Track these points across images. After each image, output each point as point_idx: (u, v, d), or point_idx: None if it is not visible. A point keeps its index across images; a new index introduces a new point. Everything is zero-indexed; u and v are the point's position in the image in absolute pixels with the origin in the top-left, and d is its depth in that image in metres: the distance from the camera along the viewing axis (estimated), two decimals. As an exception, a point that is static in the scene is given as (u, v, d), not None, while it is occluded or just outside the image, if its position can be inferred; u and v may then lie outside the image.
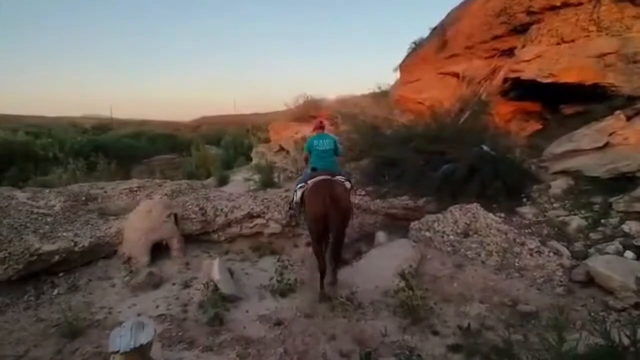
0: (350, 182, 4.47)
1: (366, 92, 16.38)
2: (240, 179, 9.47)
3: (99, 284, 3.96)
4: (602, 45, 6.85)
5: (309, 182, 3.98)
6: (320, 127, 4.58)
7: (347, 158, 7.49)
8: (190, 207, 4.94)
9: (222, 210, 5.01)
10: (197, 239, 4.95)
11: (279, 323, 3.31)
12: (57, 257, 3.83)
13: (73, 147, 13.07)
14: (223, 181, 9.86)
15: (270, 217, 5.15)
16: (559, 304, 3.31)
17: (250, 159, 13.47)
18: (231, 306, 3.53)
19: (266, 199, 5.52)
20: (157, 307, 3.54)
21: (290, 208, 4.80)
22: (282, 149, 11.98)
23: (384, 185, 6.22)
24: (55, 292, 3.72)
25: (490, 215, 4.69)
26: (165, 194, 5.49)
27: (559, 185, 5.34)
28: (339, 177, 4.07)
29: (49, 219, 4.32)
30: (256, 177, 8.30)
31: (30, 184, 7.30)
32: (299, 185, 4.20)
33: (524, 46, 8.34)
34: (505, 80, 8.23)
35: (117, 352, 2.16)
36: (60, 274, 3.90)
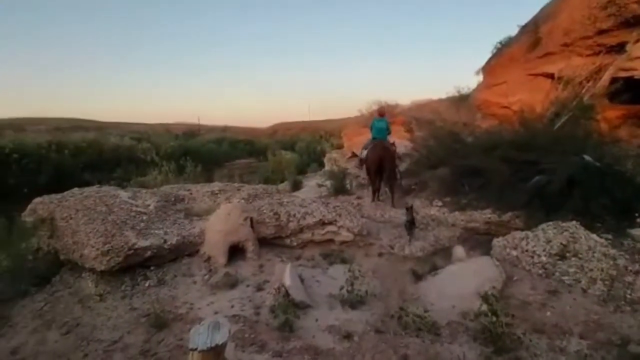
0: (394, 146, 7.13)
1: (444, 96, 15.66)
2: (313, 185, 9.63)
3: (182, 279, 4.27)
4: None
5: (369, 145, 6.94)
6: (380, 114, 7.63)
7: (425, 166, 7.18)
8: (265, 211, 5.11)
9: (294, 215, 5.10)
10: (271, 242, 5.10)
11: (348, 336, 3.22)
12: (149, 253, 4.23)
13: (167, 152, 14.53)
14: (296, 186, 10.12)
15: (341, 225, 5.11)
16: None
17: (323, 165, 13.66)
18: (301, 313, 3.53)
19: (338, 206, 5.50)
20: (232, 307, 3.69)
21: (360, 161, 7.44)
22: (354, 155, 11.92)
23: (464, 196, 5.79)
24: (147, 284, 4.11)
25: (594, 236, 4.06)
26: (243, 198, 5.77)
27: (686, 204, 4.45)
28: (388, 143, 6.96)
29: (144, 217, 4.80)
30: (328, 183, 8.35)
31: (131, 183, 8.23)
32: (364, 148, 7.24)
33: (637, 41, 7.19)
34: (614, 80, 7.17)
35: (195, 349, 2.27)
36: (152, 268, 4.29)
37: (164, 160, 10.56)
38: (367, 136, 12.01)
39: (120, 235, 4.19)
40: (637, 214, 4.57)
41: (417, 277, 4.31)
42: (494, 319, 3.04)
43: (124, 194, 5.31)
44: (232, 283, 4.11)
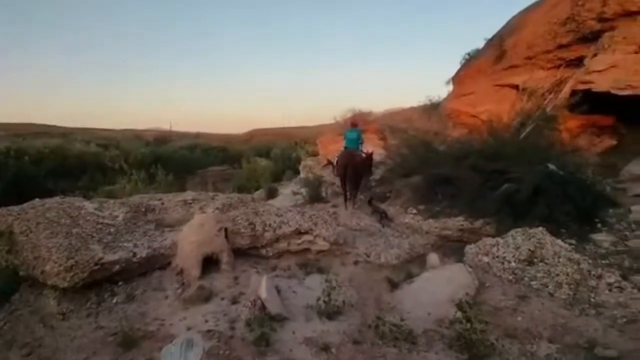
0: (366, 154, 7.50)
1: (416, 105, 16.03)
2: (289, 193, 9.58)
3: (153, 294, 4.10)
4: (691, 52, 6.09)
5: (340, 153, 7.44)
6: (353, 124, 8.05)
7: (399, 174, 7.31)
8: (240, 221, 5.01)
9: (270, 225, 5.03)
10: (246, 253, 5.00)
11: (325, 348, 3.19)
12: (117, 267, 4.03)
13: (136, 159, 14.07)
14: (272, 194, 10.04)
15: (318, 234, 5.09)
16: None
17: (299, 172, 13.63)
18: (277, 326, 3.47)
19: (314, 215, 5.48)
20: (206, 321, 3.57)
21: (333, 169, 7.83)
22: (329, 162, 11.98)
23: (437, 204, 5.92)
24: (115, 300, 3.91)
25: (559, 241, 4.25)
26: (217, 208, 5.63)
27: (641, 210, 4.74)
28: (357, 152, 7.30)
29: (112, 229, 4.58)
30: (304, 191, 8.32)
31: (98, 193, 7.89)
32: (336, 155, 7.78)
33: (594, 55, 7.67)
34: (574, 92, 7.59)
35: (167, 370, 2.18)
36: (120, 283, 4.09)
37: (134, 168, 10.22)
38: (341, 144, 12.22)
39: (85, 250, 3.97)
40: (597, 220, 4.82)
41: (393, 285, 4.35)
42: (468, 325, 3.10)
43: (89, 205, 5.06)
44: (206, 296, 3.99)
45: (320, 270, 4.78)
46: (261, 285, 3.75)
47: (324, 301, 3.78)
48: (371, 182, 8.36)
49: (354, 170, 6.87)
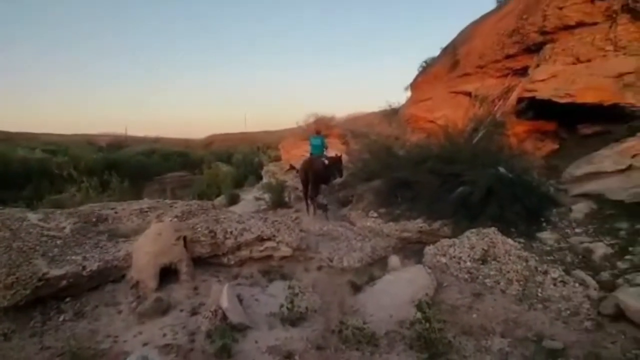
0: (332, 158, 8.06)
1: (377, 110, 16.42)
2: (251, 198, 9.45)
3: (105, 310, 3.87)
4: (620, 64, 6.73)
5: (304, 159, 7.95)
6: (317, 131, 9.14)
7: (360, 179, 7.44)
8: (200, 229, 4.87)
9: (231, 232, 4.93)
10: (207, 262, 4.86)
11: (289, 355, 3.16)
12: (64, 282, 3.76)
13: (88, 166, 13.29)
14: (233, 200, 9.87)
15: (280, 240, 5.04)
16: (587, 340, 3.10)
17: (261, 178, 13.49)
18: (239, 336, 3.39)
19: (276, 220, 5.43)
20: (164, 335, 3.42)
21: (297, 172, 8.67)
22: (292, 167, 11.97)
23: (397, 207, 6.08)
24: (62, 318, 3.64)
25: (509, 240, 4.50)
26: (176, 216, 5.44)
27: (580, 209, 5.14)
28: (320, 158, 7.79)
29: (58, 242, 4.28)
30: (266, 196, 8.25)
31: (44, 202, 7.36)
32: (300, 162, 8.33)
33: (538, 66, 8.25)
34: (520, 99, 8.12)
35: (120, 391, 2.06)
36: (67, 299, 3.82)
37: (85, 176, 9.64)
38: (304, 149, 12.41)
39: (27, 265, 3.68)
40: (542, 219, 5.17)
41: (356, 288, 4.39)
42: (427, 325, 3.20)
43: (32, 216, 4.71)
44: (163, 309, 3.82)
45: (284, 277, 4.74)
46: (222, 295, 3.65)
47: (287, 308, 3.75)
48: (335, 186, 8.48)
49: (314, 176, 7.28)
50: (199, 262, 4.77)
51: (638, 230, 4.34)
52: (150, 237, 4.40)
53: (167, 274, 4.39)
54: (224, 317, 3.48)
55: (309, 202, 7.45)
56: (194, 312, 3.80)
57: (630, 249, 4.17)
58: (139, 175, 14.93)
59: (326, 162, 7.75)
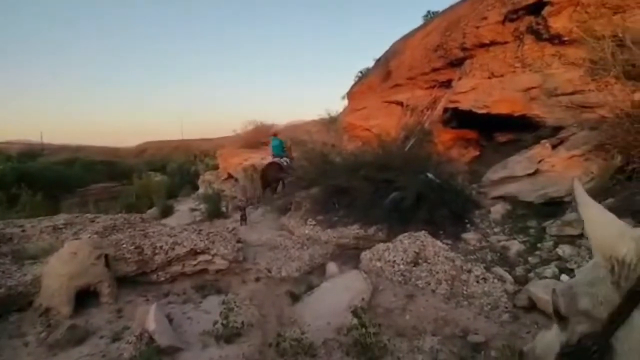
0: (286, 162, 8.96)
1: (317, 118, 16.66)
2: (186, 209, 9.00)
3: (9, 343, 3.38)
4: (527, 80, 7.54)
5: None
6: (274, 134, 10.35)
7: (299, 186, 7.44)
8: (124, 245, 4.48)
9: (161, 247, 4.61)
10: (133, 280, 4.47)
11: (223, 375, 3.00)
12: (-47, 315, 3.22)
13: (-9, 177, 11.72)
14: (167, 212, 9.30)
15: (215, 253, 4.82)
16: (505, 332, 3.37)
17: (197, 187, 12.91)
18: (168, 359, 3.15)
19: (212, 232, 5.20)
20: (79, 367, 3.07)
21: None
22: (230, 176, 11.63)
23: (335, 214, 6.17)
24: (-50, 358, 3.11)
25: (438, 242, 4.76)
26: (97, 232, 4.97)
27: (497, 210, 5.62)
28: (280, 160, 8.93)
29: (-54, 268, 3.67)
30: (202, 207, 7.90)
31: None
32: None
33: (460, 79, 8.97)
34: (445, 109, 8.74)
35: None
36: (-41, 335, 3.28)
37: (-14, 190, 8.47)
38: (243, 157, 12.38)
39: None
40: (466, 221, 5.58)
41: (295, 298, 4.34)
42: (363, 331, 3.25)
43: None
44: (79, 337, 3.43)
45: (219, 291, 4.53)
46: (149, 316, 3.37)
47: (222, 324, 3.56)
48: (279, 193, 8.51)
49: (271, 174, 8.45)
50: (124, 282, 4.38)
51: (544, 228, 4.86)
52: (64, 257, 3.94)
53: (86, 298, 3.97)
54: (151, 340, 3.21)
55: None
56: (115, 338, 3.46)
57: (539, 245, 4.64)
58: (57, 188, 13.46)
59: (285, 162, 8.86)
